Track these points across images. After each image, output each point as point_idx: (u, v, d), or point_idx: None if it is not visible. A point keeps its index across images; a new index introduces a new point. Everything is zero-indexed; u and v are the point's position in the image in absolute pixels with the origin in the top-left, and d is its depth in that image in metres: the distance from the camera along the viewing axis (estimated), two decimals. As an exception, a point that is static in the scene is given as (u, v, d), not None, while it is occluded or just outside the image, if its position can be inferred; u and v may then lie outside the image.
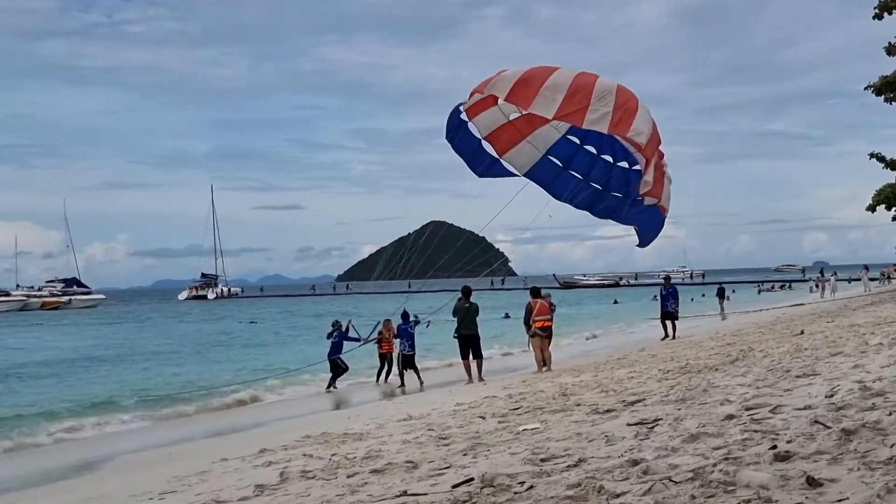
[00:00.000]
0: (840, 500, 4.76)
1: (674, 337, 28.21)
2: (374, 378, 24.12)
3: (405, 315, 23.75)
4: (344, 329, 24.17)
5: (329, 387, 23.47)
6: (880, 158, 44.61)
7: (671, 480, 5.78)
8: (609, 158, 21.12)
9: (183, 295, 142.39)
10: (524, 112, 23.13)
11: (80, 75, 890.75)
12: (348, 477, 8.23)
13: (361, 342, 23.72)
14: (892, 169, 45.76)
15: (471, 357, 21.31)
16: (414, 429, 11.88)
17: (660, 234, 22.20)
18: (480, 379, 20.83)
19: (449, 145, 23.42)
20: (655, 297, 29.80)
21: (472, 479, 6.94)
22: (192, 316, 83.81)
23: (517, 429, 10.30)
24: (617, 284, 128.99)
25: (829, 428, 6.80)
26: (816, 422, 7.14)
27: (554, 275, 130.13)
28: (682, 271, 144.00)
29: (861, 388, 8.71)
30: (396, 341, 23.40)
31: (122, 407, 20.95)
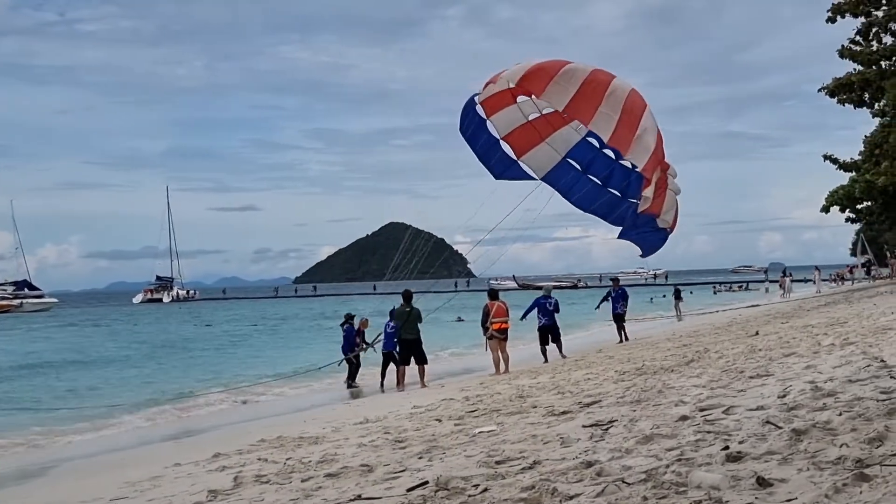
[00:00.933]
0: (789, 500, 4.80)
1: (622, 340, 28.13)
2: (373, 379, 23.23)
3: (392, 314, 23.46)
4: (356, 329, 23.65)
5: (347, 382, 23.08)
6: (833, 160, 45.27)
7: (624, 482, 5.80)
8: (628, 164, 21.21)
9: (138, 298, 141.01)
10: (538, 102, 23.21)
11: (33, 74, 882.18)
12: (303, 481, 8.19)
13: (361, 348, 23.39)
14: (845, 171, 46.44)
15: (413, 362, 21.23)
16: (370, 432, 11.85)
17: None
18: (423, 385, 20.67)
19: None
20: (606, 299, 29.42)
21: (426, 482, 6.93)
22: (149, 318, 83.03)
23: (473, 431, 10.30)
24: (576, 286, 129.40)
25: (780, 428, 6.86)
26: (768, 422, 7.20)
27: (514, 276, 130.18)
28: (641, 272, 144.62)
29: (813, 389, 8.80)
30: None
31: (71, 412, 20.63)
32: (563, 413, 10.68)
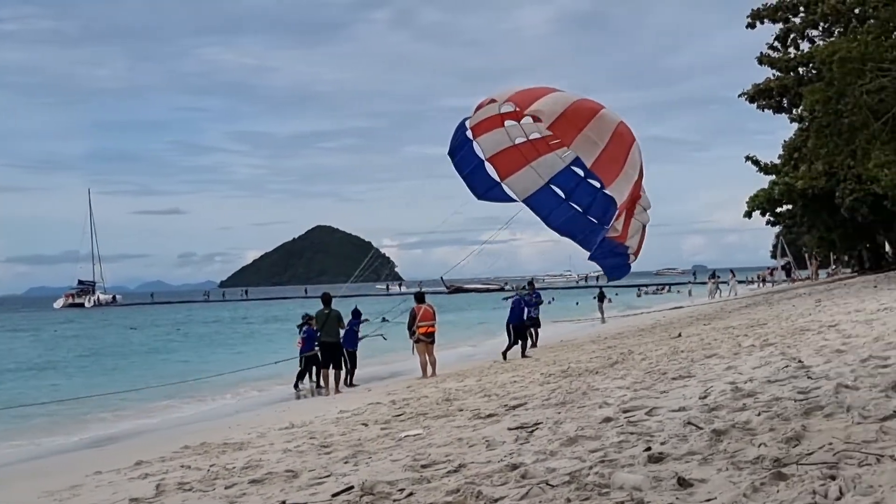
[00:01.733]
0: (708, 500, 4.88)
1: (534, 345, 27.57)
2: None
3: (356, 312, 23.28)
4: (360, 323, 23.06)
5: (347, 381, 22.28)
6: (755, 162, 46.10)
7: (548, 484, 5.84)
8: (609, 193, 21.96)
9: (59, 303, 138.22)
10: (525, 126, 24.31)
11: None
12: (226, 488, 8.09)
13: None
14: (766, 173, 47.34)
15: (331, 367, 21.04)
16: (295, 437, 11.75)
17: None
18: (337, 390, 20.53)
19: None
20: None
21: (351, 487, 6.90)
22: (73, 324, 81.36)
23: (399, 435, 10.29)
24: (502, 289, 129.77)
25: (701, 429, 6.97)
26: (689, 423, 7.31)
27: (441, 278, 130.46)
28: (567, 275, 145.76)
29: (733, 390, 8.96)
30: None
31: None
32: (489, 416, 10.72)
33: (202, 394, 22.73)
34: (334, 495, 6.79)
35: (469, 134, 24.87)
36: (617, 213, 22.06)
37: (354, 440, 10.47)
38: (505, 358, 23.11)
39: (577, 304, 66.48)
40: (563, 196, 24.71)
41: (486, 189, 25.58)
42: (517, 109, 24.04)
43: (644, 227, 23.76)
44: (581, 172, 24.31)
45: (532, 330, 27.63)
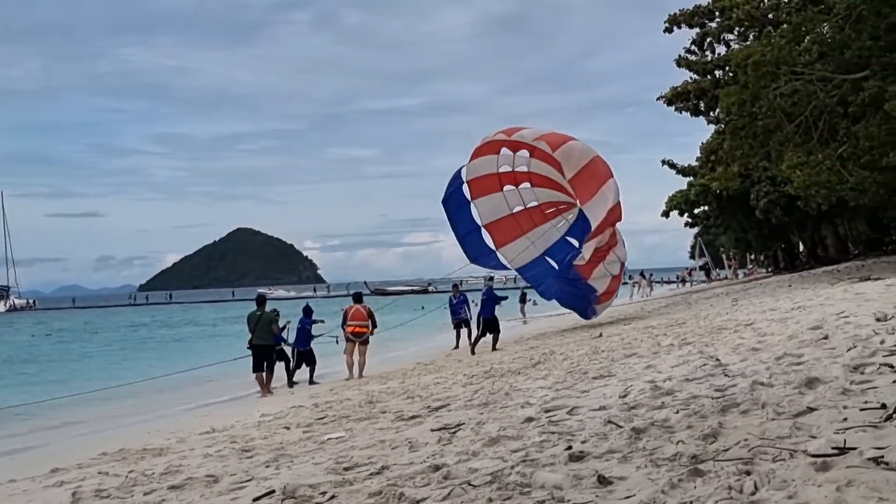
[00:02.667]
0: (628, 497, 4.94)
1: (457, 346, 28.14)
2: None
3: (308, 310, 23.35)
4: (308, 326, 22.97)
5: (310, 380, 22.27)
6: (671, 165, 46.92)
7: (470, 484, 5.86)
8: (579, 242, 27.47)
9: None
10: (523, 193, 26.59)
11: None
12: (145, 494, 7.96)
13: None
14: (683, 175, 48.19)
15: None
16: (216, 442, 11.63)
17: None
18: (269, 391, 20.38)
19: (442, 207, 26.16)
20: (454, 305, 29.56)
21: (273, 491, 6.84)
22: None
23: (322, 438, 10.24)
24: (426, 291, 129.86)
25: (621, 427, 7.05)
26: (610, 422, 7.40)
27: (365, 282, 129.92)
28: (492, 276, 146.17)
29: (652, 388, 9.08)
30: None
31: None
32: (412, 417, 10.73)
33: (127, 400, 22.31)
34: (255, 500, 6.73)
35: (466, 191, 27.74)
36: (590, 235, 24.16)
37: (276, 444, 10.40)
38: (473, 352, 23.52)
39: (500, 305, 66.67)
40: (555, 267, 26.50)
41: (478, 255, 27.83)
42: (518, 187, 27.85)
43: (613, 277, 25.77)
44: (575, 243, 26.76)
45: (466, 329, 28.28)
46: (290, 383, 22.09)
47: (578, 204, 26.15)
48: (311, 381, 22.01)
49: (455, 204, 27.82)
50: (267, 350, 20.80)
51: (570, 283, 25.89)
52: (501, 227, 27.58)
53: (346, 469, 7.53)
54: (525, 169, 28.55)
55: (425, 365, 21.39)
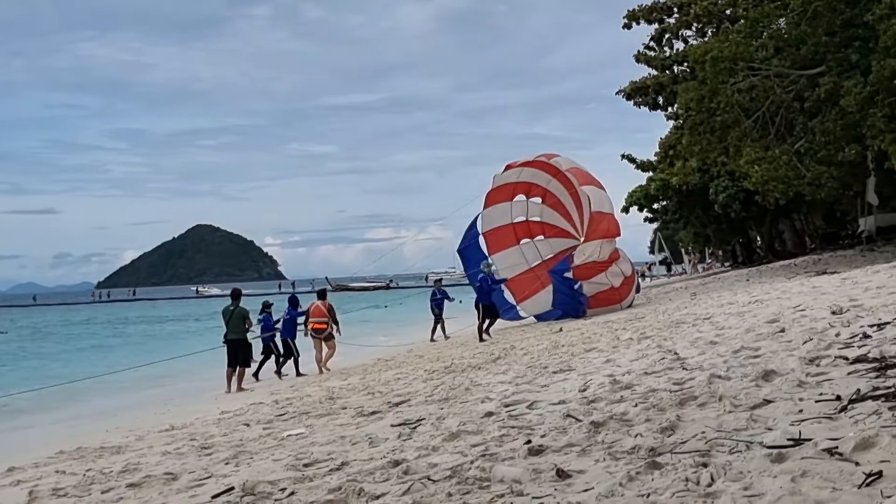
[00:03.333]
0: (586, 490, 4.96)
1: (432, 338, 29.02)
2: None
3: (294, 301, 23.36)
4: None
5: (278, 373, 22.36)
6: (631, 160, 47.17)
7: (430, 479, 5.86)
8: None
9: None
10: (531, 206, 28.00)
11: None
12: (103, 493, 7.89)
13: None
14: (643, 170, 48.47)
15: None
16: (175, 439, 11.54)
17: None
18: (240, 388, 20.19)
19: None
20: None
21: (232, 488, 6.81)
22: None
23: (282, 435, 10.20)
24: (388, 287, 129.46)
25: (580, 421, 7.08)
26: (569, 415, 7.43)
27: (326, 278, 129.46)
28: (451, 272, 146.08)
29: (611, 382, 9.14)
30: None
31: None
32: (373, 413, 10.72)
33: (90, 397, 22.05)
34: (214, 497, 6.69)
35: (483, 244, 29.77)
36: (590, 233, 25.72)
37: (236, 441, 10.34)
38: (482, 339, 23.96)
39: (461, 301, 66.70)
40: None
41: (503, 311, 29.34)
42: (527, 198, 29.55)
43: (612, 287, 27.01)
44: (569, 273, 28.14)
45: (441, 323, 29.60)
46: (297, 373, 22.18)
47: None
48: (298, 373, 22.15)
49: (473, 259, 29.61)
50: (240, 345, 20.70)
51: (563, 282, 26.37)
52: (521, 282, 29.02)
53: (305, 465, 7.51)
54: (538, 218, 30.74)
55: (386, 361, 21.37)
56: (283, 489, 6.52)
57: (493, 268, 29.03)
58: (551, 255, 29.66)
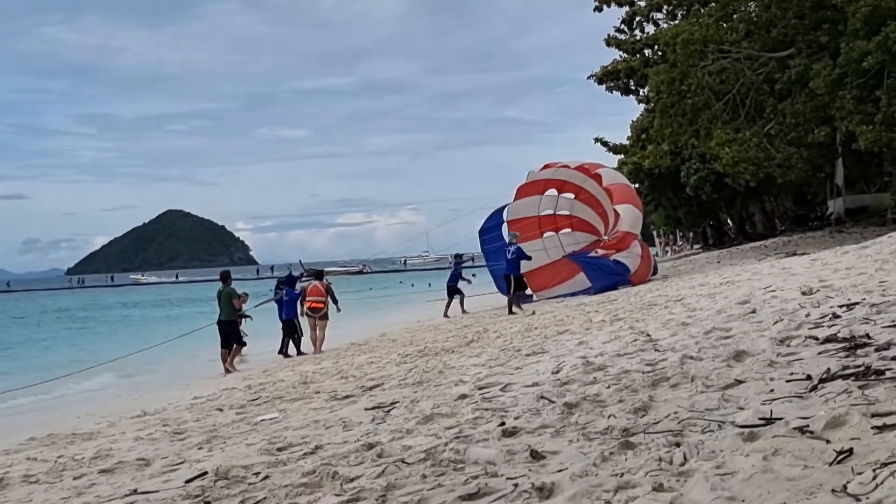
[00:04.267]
0: (560, 471, 4.98)
1: (446, 314, 29.42)
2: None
3: (292, 280, 23.83)
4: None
5: (281, 351, 22.44)
6: (604, 143, 47.30)
7: (404, 462, 5.87)
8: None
9: None
10: (561, 199, 28.07)
11: None
12: (75, 479, 7.83)
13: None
14: (615, 153, 48.65)
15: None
16: (148, 425, 11.47)
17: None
18: (227, 370, 20.19)
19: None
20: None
21: (205, 472, 6.78)
22: None
23: (255, 419, 10.18)
24: (361, 272, 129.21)
25: (553, 403, 7.11)
26: (542, 397, 7.46)
27: (300, 261, 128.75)
28: (424, 256, 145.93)
29: (584, 364, 9.17)
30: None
31: None
32: (346, 397, 10.72)
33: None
34: (188, 481, 6.66)
35: (505, 231, 29.90)
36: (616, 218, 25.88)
37: (209, 426, 10.30)
38: (511, 311, 23.63)
39: (430, 285, 66.60)
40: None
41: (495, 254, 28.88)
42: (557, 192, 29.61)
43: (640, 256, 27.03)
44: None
45: (459, 297, 30.27)
46: (298, 352, 22.33)
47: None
48: (299, 352, 22.32)
49: (492, 247, 30.17)
50: (226, 325, 20.88)
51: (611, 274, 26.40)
52: (541, 274, 28.88)
53: (279, 449, 7.49)
54: (567, 212, 31.06)
55: (359, 345, 21.34)
56: (257, 473, 6.50)
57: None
58: (575, 249, 29.78)
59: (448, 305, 30.17)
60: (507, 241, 27.10)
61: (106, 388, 20.65)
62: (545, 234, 30.51)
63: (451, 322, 24.90)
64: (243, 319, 22.85)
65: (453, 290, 30.47)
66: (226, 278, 21.61)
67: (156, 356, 24.27)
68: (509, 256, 25.94)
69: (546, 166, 30.08)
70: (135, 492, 6.76)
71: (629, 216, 27.45)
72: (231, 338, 20.80)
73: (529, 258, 26.84)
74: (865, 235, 26.53)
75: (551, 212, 30.71)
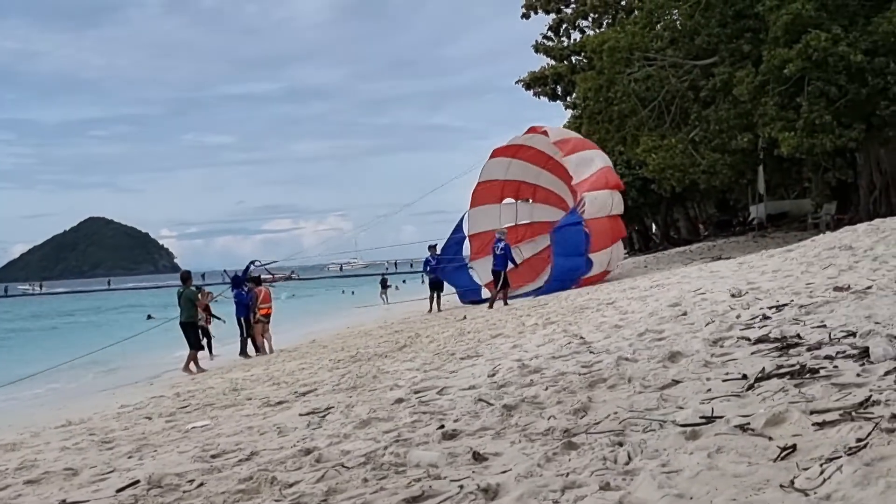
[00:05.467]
0: (504, 472, 4.95)
1: (431, 309, 29.47)
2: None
3: (237, 281, 24.01)
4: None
5: (242, 351, 22.69)
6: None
7: (344, 466, 5.78)
8: None
9: None
10: (521, 208, 27.66)
11: None
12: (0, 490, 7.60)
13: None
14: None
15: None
16: (73, 434, 11.19)
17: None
18: (185, 368, 20.20)
19: None
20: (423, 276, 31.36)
21: (137, 481, 6.61)
22: None
23: (186, 427, 9.98)
24: (289, 278, 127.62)
25: (492, 405, 7.07)
26: (480, 400, 7.42)
27: (224, 270, 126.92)
28: (353, 262, 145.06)
29: (520, 367, 9.16)
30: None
31: None
32: (279, 403, 10.57)
33: None
34: (119, 490, 6.49)
35: (466, 246, 29.33)
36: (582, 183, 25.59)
37: (138, 434, 10.08)
38: (491, 305, 24.33)
39: (353, 293, 66.40)
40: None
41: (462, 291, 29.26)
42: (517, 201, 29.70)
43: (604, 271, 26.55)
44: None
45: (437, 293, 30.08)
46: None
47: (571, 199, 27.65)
48: (246, 354, 22.71)
49: (451, 260, 30.40)
50: (186, 327, 20.73)
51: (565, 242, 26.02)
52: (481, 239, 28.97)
53: (213, 456, 7.34)
54: (528, 220, 31.21)
55: (289, 352, 21.16)
56: (192, 481, 6.36)
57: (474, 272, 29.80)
58: (538, 251, 29.86)
59: (431, 300, 30.10)
60: (497, 237, 26.75)
61: (26, 398, 20.15)
62: (504, 201, 30.62)
63: (381, 328, 24.78)
64: (211, 320, 23.53)
65: (436, 284, 30.32)
66: (186, 279, 21.40)
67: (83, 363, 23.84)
68: (498, 252, 25.97)
69: (494, 154, 29.90)
70: (63, 502, 6.57)
71: (576, 161, 27.40)
72: (188, 339, 20.61)
73: (515, 263, 27.23)
74: (787, 240, 27.02)
75: (512, 223, 30.78)
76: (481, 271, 29.17)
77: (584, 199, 25.93)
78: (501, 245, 26.09)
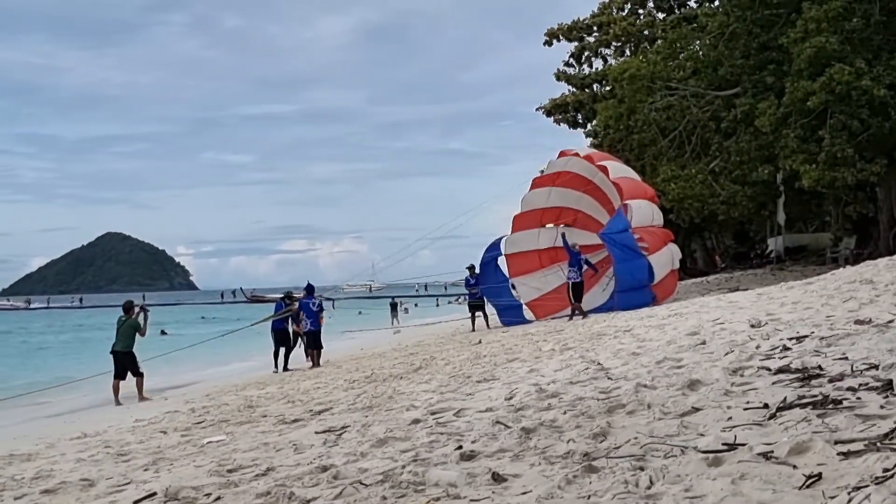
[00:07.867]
0: (525, 493, 4.92)
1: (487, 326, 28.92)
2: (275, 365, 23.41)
3: (310, 288, 24.45)
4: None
5: (276, 367, 23.08)
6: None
7: (362, 483, 5.77)
8: None
9: None
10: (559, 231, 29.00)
11: None
12: (16, 499, 7.60)
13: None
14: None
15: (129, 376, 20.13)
16: (89, 447, 11.20)
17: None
18: (141, 398, 19.41)
19: None
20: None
21: (154, 493, 6.62)
22: None
23: (201, 442, 9.98)
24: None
25: (510, 427, 7.05)
26: (498, 422, 7.40)
27: (241, 288, 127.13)
28: (369, 284, 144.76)
29: (538, 391, 9.14)
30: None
31: None
32: (295, 421, 10.57)
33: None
34: (136, 502, 6.50)
35: (504, 265, 29.62)
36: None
37: (154, 447, 10.08)
38: (573, 316, 24.24)
39: (360, 313, 66.20)
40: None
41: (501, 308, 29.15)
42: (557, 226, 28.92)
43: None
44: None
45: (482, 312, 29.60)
46: (285, 367, 23.05)
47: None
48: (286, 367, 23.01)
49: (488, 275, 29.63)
50: (123, 356, 20.07)
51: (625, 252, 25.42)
52: (543, 304, 28.69)
53: (229, 471, 7.34)
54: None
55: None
56: (209, 494, 6.35)
57: (515, 292, 29.39)
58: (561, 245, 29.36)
59: (473, 319, 29.69)
60: (573, 249, 26.39)
61: (39, 411, 20.16)
62: (548, 268, 30.15)
63: (395, 350, 24.75)
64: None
65: (476, 304, 29.94)
66: (128, 309, 21.00)
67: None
68: (573, 264, 25.66)
69: (535, 184, 29.29)
70: (81, 512, 6.59)
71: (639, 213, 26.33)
72: (128, 368, 19.97)
73: (595, 269, 27.19)
74: (806, 274, 26.92)
75: (551, 245, 30.23)
76: (522, 289, 28.88)
77: (630, 206, 25.54)
78: (576, 255, 25.73)
